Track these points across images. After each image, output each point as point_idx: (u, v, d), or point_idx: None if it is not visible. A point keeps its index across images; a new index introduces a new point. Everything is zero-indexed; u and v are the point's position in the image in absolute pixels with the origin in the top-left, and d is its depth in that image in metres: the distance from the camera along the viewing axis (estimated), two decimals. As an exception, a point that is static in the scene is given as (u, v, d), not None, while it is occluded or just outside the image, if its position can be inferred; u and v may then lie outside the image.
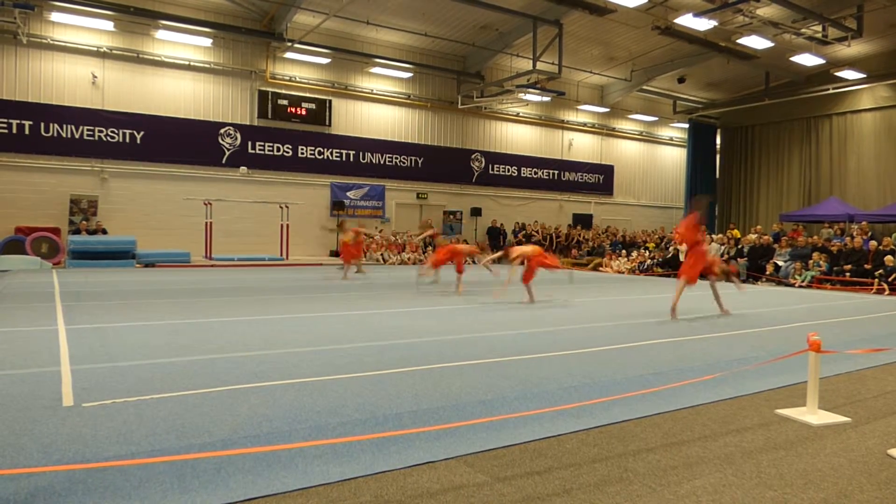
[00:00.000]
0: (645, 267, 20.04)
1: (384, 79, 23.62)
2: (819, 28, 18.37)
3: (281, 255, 20.88)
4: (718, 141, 31.13)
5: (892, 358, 6.27)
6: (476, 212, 25.56)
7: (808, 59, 21.42)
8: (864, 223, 19.83)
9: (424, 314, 8.67)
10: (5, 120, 17.61)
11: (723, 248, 18.72)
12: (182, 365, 5.11)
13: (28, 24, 17.38)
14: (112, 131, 19.03)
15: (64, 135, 18.40)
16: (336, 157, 22.83)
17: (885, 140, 24.48)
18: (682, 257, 18.81)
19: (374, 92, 23.51)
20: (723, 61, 23.04)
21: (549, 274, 12.44)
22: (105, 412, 3.78)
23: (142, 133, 19.44)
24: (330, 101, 22.45)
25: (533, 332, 7.16)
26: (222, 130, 20.75)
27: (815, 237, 19.92)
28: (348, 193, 23.02)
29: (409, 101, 24.29)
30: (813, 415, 4.18)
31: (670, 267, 19.32)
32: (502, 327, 7.51)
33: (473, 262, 17.32)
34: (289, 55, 21.23)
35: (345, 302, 9.77)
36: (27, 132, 17.90)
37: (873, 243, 16.12)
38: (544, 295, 11.77)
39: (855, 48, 21.36)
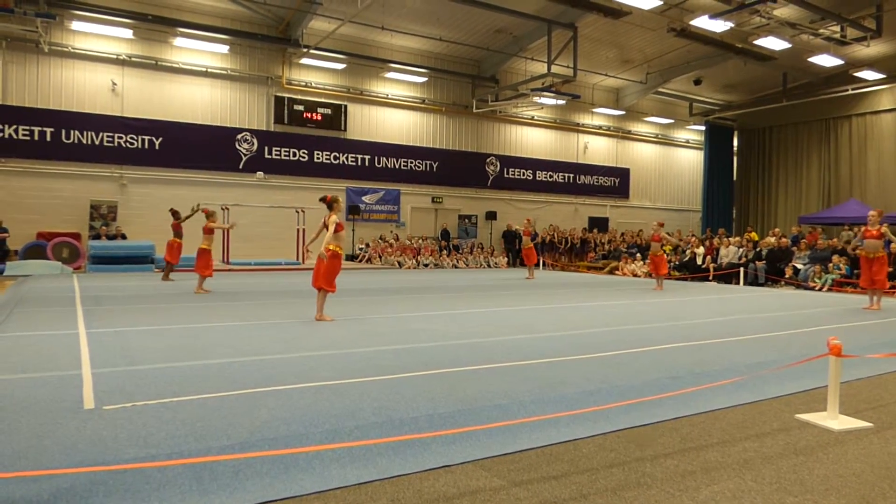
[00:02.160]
0: (661, 270, 19.86)
1: (399, 83, 23.71)
2: (837, 28, 18.18)
3: (297, 259, 21.00)
4: (736, 143, 30.88)
5: (915, 362, 6.17)
6: (491, 216, 25.56)
7: (826, 60, 21.20)
8: (885, 225, 19.52)
9: (441, 318, 8.67)
10: (27, 127, 17.92)
11: (741, 250, 18.55)
12: (200, 368, 5.15)
13: (49, 32, 17.70)
14: (131, 138, 19.29)
15: (84, 141, 18.67)
16: (351, 161, 22.93)
17: (906, 141, 24.14)
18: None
19: (389, 97, 23.61)
20: (739, 63, 22.85)
21: (567, 278, 12.37)
22: (125, 415, 3.82)
23: (160, 139, 19.68)
24: (345, 106, 22.59)
25: (549, 336, 7.13)
26: (239, 136, 20.95)
27: (835, 240, 19.65)
28: (364, 198, 23.12)
29: (423, 106, 24.36)
30: (834, 420, 4.13)
31: (687, 270, 19.17)
32: (518, 331, 7.49)
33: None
34: (304, 61, 21.39)
35: (359, 306, 9.80)
36: (48, 139, 18.20)
37: (894, 246, 15.86)
38: (559, 298, 11.75)
39: (874, 48, 21.09)
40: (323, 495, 2.92)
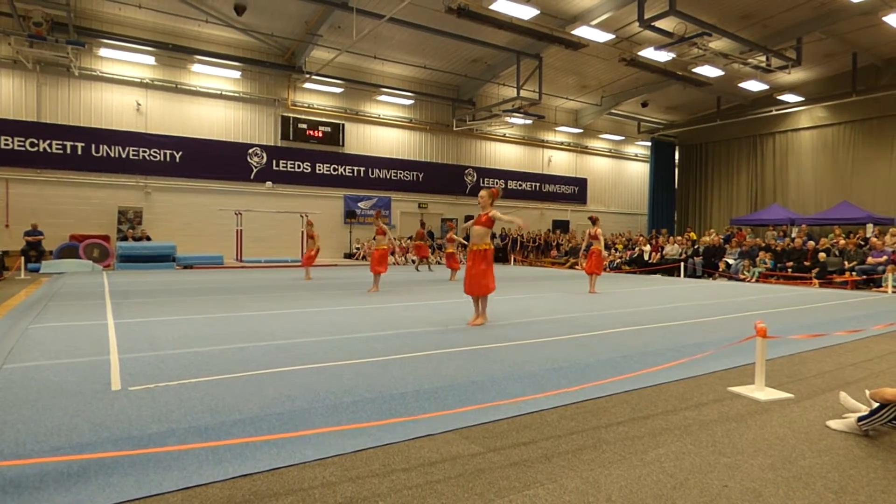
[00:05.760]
0: (614, 265, 20.05)
1: (389, 105, 23.62)
2: (763, 58, 18.42)
3: (301, 257, 20.83)
4: (677, 156, 31.21)
5: (829, 342, 6.27)
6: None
7: (754, 85, 21.51)
8: (803, 226, 19.91)
9: (426, 307, 8.65)
10: (61, 142, 17.59)
11: (682, 247, 18.74)
12: (216, 353, 5.08)
13: (79, 58, 17.37)
14: (154, 151, 19.00)
15: (112, 155, 18.37)
16: (348, 173, 22.81)
17: (820, 154, 24.57)
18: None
19: (381, 116, 23.51)
20: (680, 88, 23.10)
21: (534, 272, 12.33)
22: (149, 395, 3.76)
23: (180, 153, 19.42)
24: (343, 125, 22.45)
25: (516, 323, 7.13)
26: (250, 150, 20.73)
27: (759, 238, 19.96)
28: (359, 204, 23.01)
29: (410, 125, 24.30)
30: (760, 391, 4.18)
31: (636, 265, 19.35)
32: (491, 318, 7.48)
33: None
34: (307, 85, 21.23)
35: (357, 297, 9.75)
36: (80, 153, 17.88)
37: (811, 243, 16.15)
38: (526, 290, 11.78)
39: (795, 75, 21.43)
40: (323, 462, 2.89)
